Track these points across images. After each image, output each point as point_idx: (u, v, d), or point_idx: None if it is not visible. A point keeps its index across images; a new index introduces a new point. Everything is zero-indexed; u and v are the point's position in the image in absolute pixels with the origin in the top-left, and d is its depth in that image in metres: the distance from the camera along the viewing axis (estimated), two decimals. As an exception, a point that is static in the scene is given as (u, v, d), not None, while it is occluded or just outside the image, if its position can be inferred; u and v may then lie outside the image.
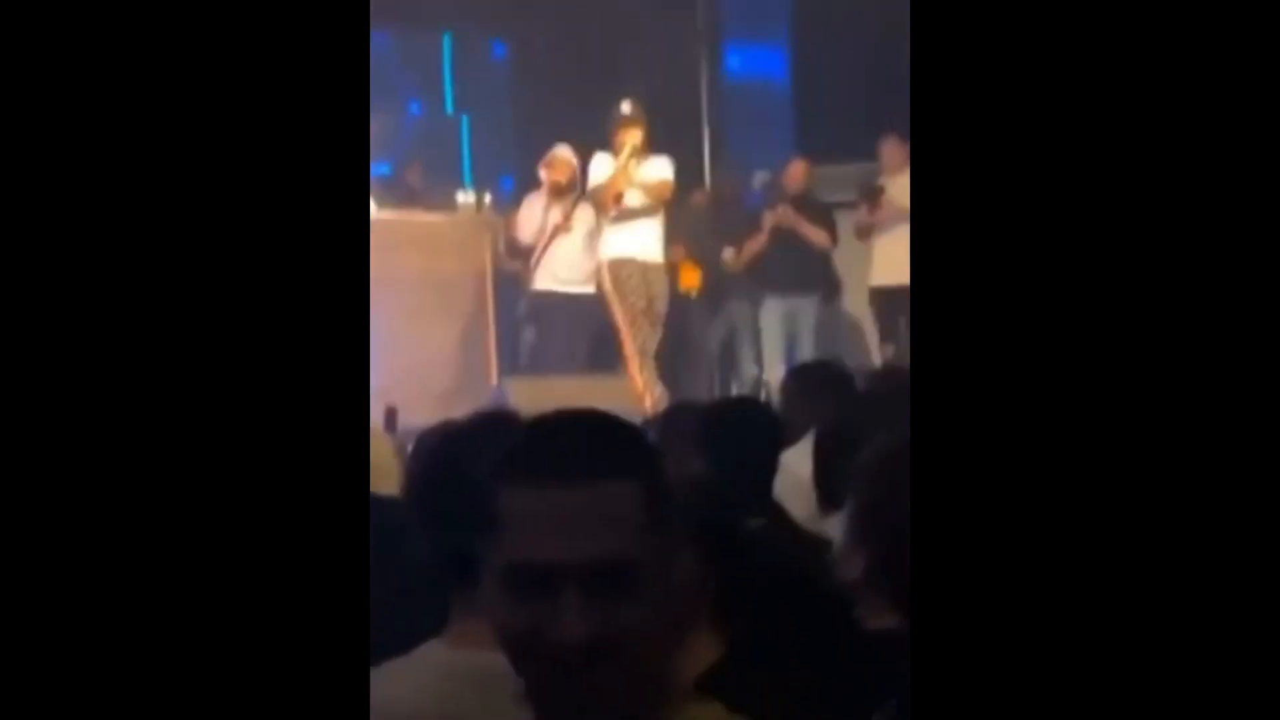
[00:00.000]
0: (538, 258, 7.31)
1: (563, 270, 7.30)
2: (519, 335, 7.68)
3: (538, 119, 8.84)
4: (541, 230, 7.30)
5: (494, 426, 1.74)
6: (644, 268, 6.90)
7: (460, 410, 3.06)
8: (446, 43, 10.61)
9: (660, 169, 6.89)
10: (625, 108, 6.84)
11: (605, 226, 7.00)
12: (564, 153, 7.30)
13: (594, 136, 7.01)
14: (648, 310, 6.88)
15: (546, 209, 7.33)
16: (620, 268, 6.88)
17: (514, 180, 8.98)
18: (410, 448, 2.91)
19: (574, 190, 7.28)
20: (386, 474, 2.86)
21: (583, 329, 7.24)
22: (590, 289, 7.26)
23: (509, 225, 7.49)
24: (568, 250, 7.28)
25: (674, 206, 7.19)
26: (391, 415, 5.71)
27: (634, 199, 6.87)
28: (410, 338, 6.56)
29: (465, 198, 7.80)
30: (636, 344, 6.77)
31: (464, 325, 7.21)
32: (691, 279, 7.77)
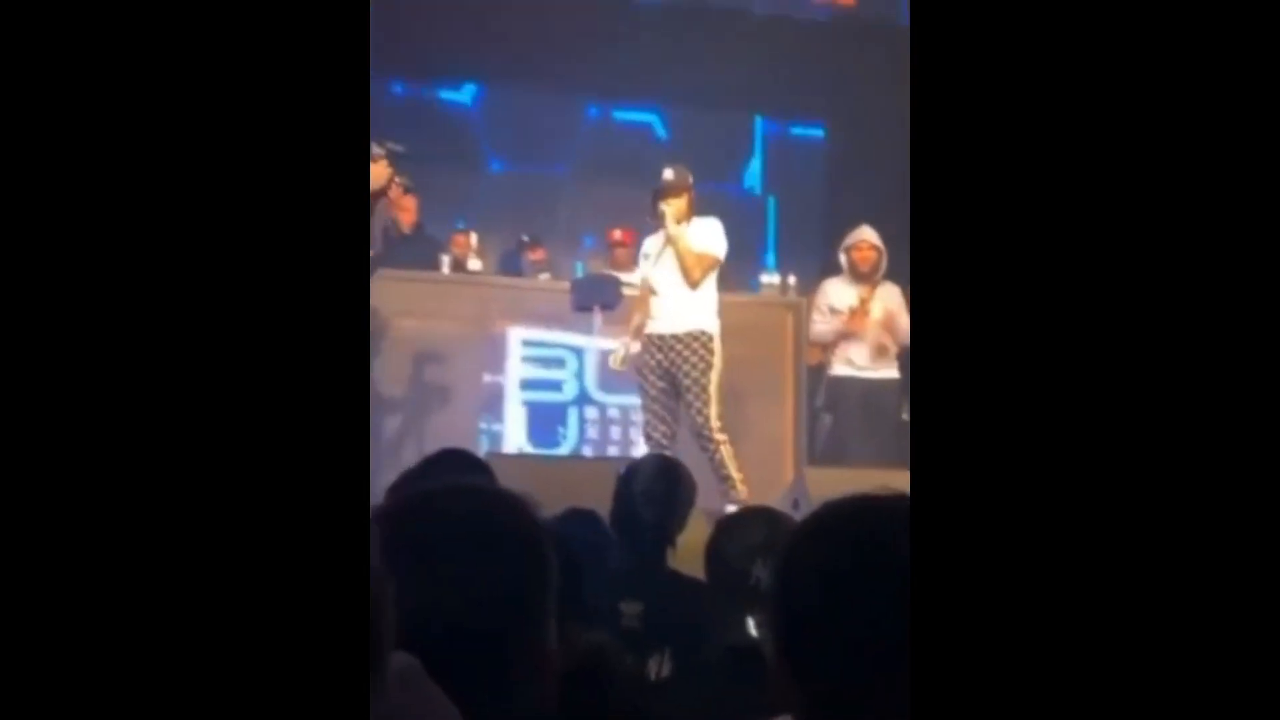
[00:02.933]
0: (834, 342, 7.34)
1: (859, 356, 7.31)
2: (818, 423, 7.70)
3: (845, 202, 8.92)
4: (837, 315, 7.33)
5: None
6: None
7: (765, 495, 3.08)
8: (758, 124, 10.86)
9: None
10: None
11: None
12: (869, 235, 7.32)
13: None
14: None
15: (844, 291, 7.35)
16: None
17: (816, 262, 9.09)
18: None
19: (879, 270, 7.30)
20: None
21: (882, 417, 7.21)
22: (891, 374, 7.25)
23: (808, 307, 7.53)
24: (867, 334, 7.28)
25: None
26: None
27: None
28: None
29: (769, 279, 7.93)
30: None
31: (764, 410, 7.29)
32: None
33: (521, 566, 1.36)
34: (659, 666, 2.90)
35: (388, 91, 9.60)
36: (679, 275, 6.12)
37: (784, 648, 1.41)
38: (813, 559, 1.41)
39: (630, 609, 3.25)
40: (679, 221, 6.10)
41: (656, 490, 3.48)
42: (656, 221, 6.14)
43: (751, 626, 2.54)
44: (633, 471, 3.64)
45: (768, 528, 2.71)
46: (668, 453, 5.57)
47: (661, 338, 6.11)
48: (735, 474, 6.00)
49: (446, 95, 10.19)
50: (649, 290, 6.21)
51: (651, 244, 6.30)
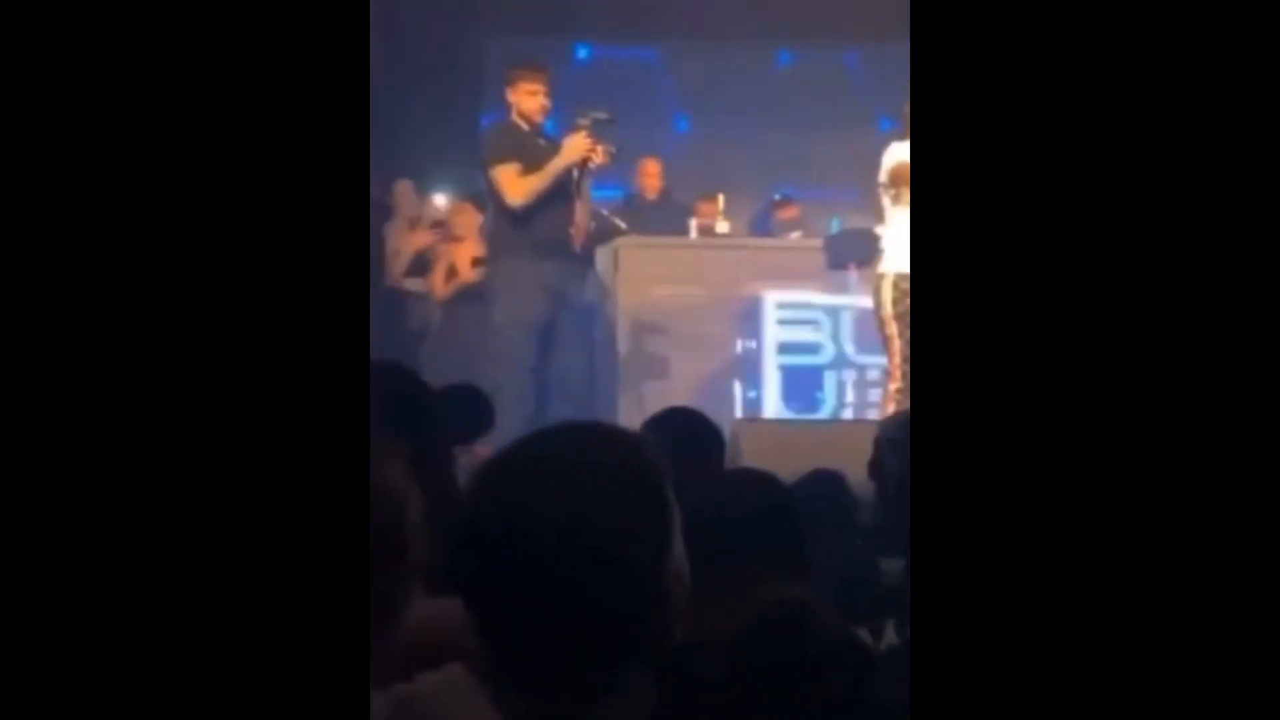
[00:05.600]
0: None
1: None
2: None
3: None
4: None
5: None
6: None
7: None
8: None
9: None
10: None
11: None
12: None
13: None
14: None
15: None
16: None
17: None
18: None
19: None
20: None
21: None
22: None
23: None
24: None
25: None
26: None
27: None
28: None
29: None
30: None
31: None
32: None
33: (625, 503, 1.31)
34: (885, 635, 2.82)
35: (574, 56, 9.68)
36: None
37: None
38: None
39: (890, 566, 3.18)
40: None
41: (901, 440, 3.39)
42: None
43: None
44: (884, 424, 3.56)
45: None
46: None
47: None
48: None
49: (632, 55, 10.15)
50: None
51: None
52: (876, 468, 3.45)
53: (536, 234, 5.62)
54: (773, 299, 7.08)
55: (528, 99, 5.76)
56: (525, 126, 5.77)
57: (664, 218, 7.53)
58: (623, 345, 6.80)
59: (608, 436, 1.39)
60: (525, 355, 5.62)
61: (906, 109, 5.70)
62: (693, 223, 7.51)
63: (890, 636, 2.77)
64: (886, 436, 3.50)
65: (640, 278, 6.83)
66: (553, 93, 5.86)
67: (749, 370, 7.11)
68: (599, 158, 5.62)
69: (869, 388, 6.94)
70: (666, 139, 9.85)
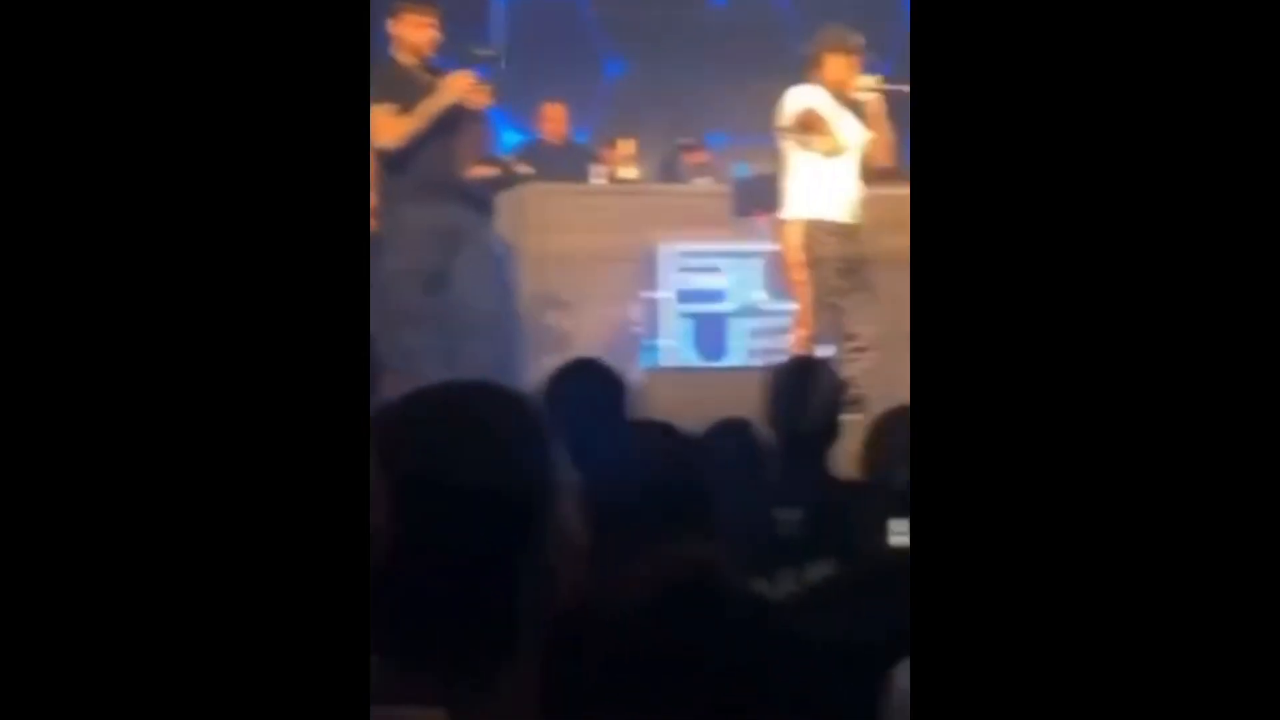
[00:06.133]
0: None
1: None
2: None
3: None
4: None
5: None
6: None
7: None
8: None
9: None
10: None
11: None
12: None
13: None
14: None
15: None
16: None
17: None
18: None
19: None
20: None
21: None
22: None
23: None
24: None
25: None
26: (860, 400, 5.69)
27: None
28: (889, 323, 6.45)
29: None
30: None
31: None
32: None
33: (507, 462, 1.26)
34: (797, 579, 2.76)
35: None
36: (867, 150, 5.75)
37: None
38: None
39: (786, 515, 3.14)
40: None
41: (796, 391, 3.35)
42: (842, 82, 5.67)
43: (894, 534, 2.39)
44: (774, 374, 3.53)
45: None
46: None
47: (844, 226, 5.72)
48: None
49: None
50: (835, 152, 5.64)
51: (820, 104, 5.67)
52: (770, 415, 3.42)
53: (420, 177, 5.40)
54: (678, 246, 6.99)
55: (414, 31, 5.46)
56: (411, 61, 5.50)
57: (570, 163, 7.38)
58: (527, 294, 6.66)
59: (486, 395, 1.33)
60: (420, 306, 5.42)
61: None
62: (599, 168, 7.38)
63: (788, 584, 2.72)
64: (777, 382, 3.48)
65: (544, 224, 6.69)
66: (456, 27, 5.63)
67: (656, 319, 7.02)
68: (480, 97, 5.39)
69: (777, 335, 6.88)
70: (597, 82, 9.70)
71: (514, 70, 5.45)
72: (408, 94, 5.35)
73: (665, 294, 6.94)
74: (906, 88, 5.86)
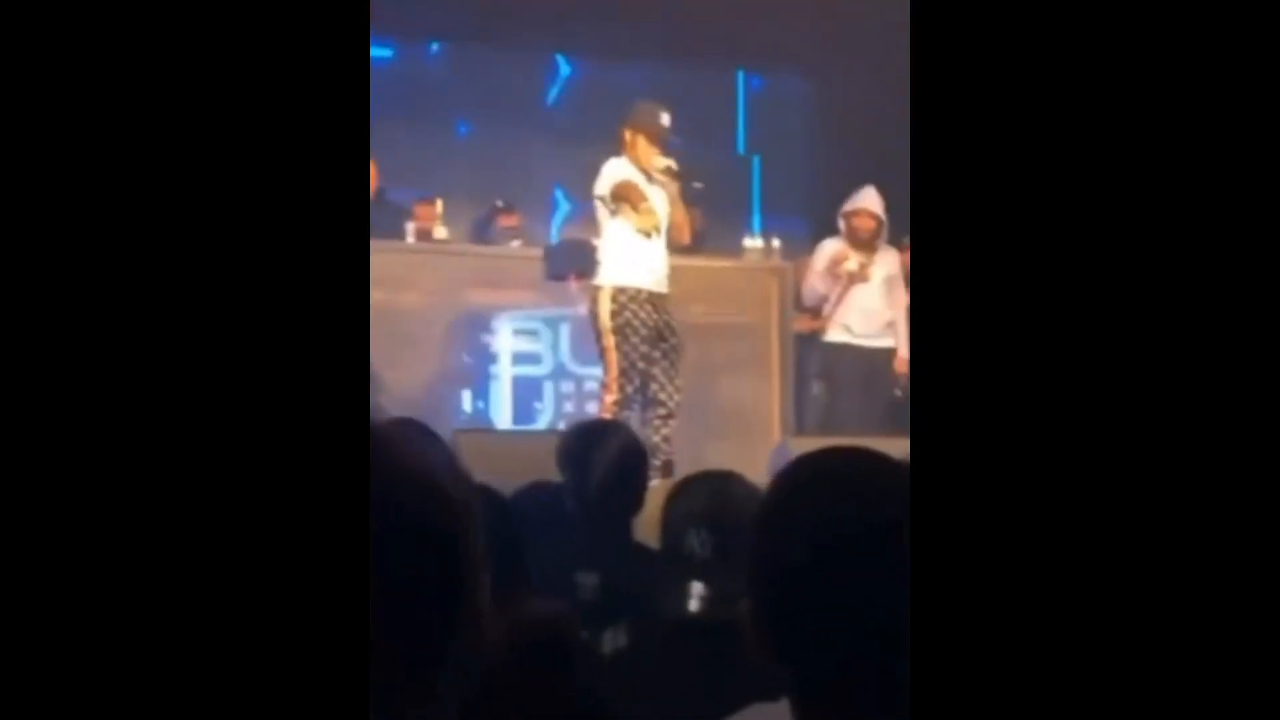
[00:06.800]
0: (832, 308, 7.30)
1: (857, 323, 7.27)
2: (807, 391, 7.66)
3: (836, 162, 8.86)
4: (836, 279, 7.28)
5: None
6: None
7: (744, 466, 3.17)
8: (740, 80, 10.77)
9: None
10: None
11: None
12: (872, 203, 7.26)
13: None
14: None
15: (840, 256, 7.30)
16: None
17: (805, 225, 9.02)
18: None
19: (879, 238, 7.26)
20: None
21: (879, 386, 7.20)
22: (888, 343, 7.23)
23: (799, 272, 7.49)
24: (865, 300, 7.25)
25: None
26: (668, 466, 5.84)
27: None
28: (694, 390, 6.63)
29: (752, 243, 7.87)
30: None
31: (751, 378, 7.25)
32: None
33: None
34: (614, 640, 2.87)
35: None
36: (668, 227, 5.95)
37: (765, 620, 1.35)
38: (796, 514, 1.37)
39: (586, 580, 3.22)
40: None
41: (587, 454, 3.45)
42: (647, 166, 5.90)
43: (695, 598, 2.50)
44: (570, 438, 3.60)
45: (711, 494, 2.66)
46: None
47: (654, 295, 5.91)
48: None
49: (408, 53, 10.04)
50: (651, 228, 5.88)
51: (635, 179, 5.89)
52: (564, 478, 3.48)
53: None
54: (492, 307, 7.07)
55: None
56: None
57: (380, 219, 7.41)
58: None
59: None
60: None
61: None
62: (409, 226, 7.42)
63: (610, 641, 2.81)
64: (566, 446, 3.54)
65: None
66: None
67: (468, 380, 7.08)
68: None
69: (587, 399, 7.00)
70: (449, 141, 9.74)
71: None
72: None
73: (483, 354, 7.01)
74: (698, 184, 6.17)
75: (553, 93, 10.21)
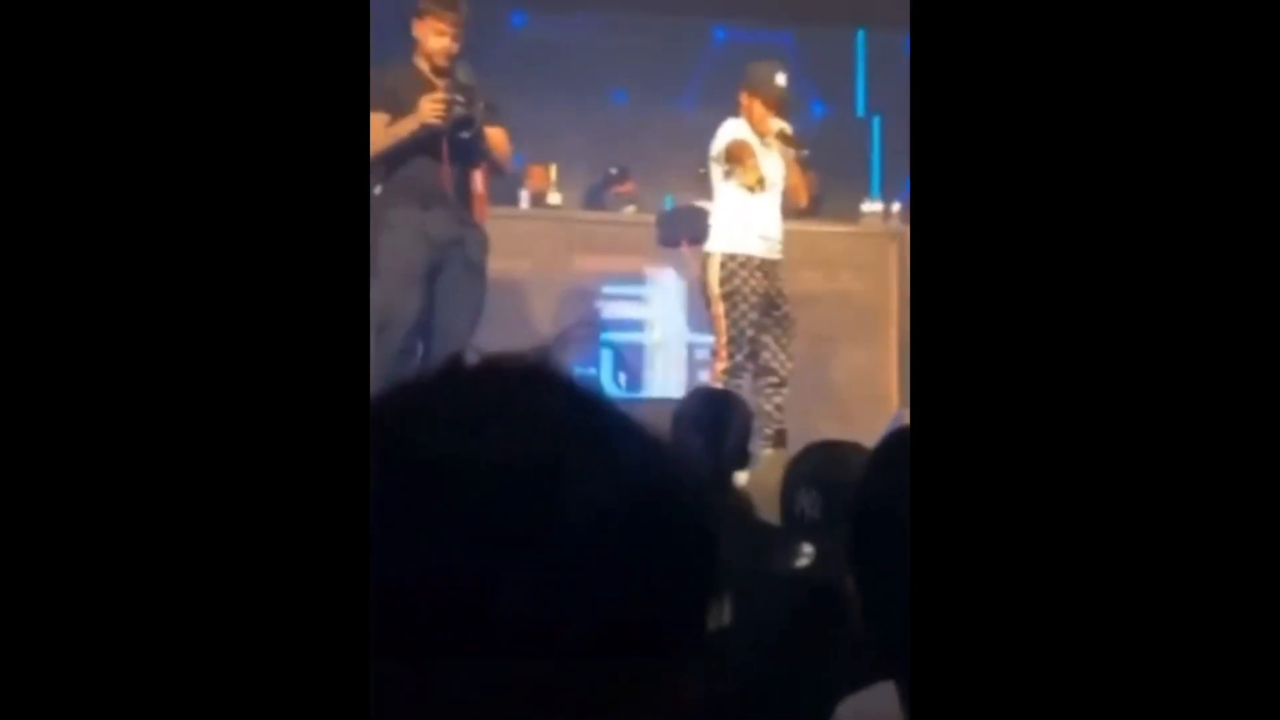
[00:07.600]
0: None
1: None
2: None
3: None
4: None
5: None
6: None
7: (860, 436, 3.15)
8: (860, 39, 10.63)
9: None
10: None
11: None
12: None
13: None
14: None
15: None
16: None
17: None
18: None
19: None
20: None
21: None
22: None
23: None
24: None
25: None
26: (780, 435, 5.79)
27: None
28: (809, 359, 6.56)
29: (871, 207, 7.77)
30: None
31: (868, 347, 7.16)
32: None
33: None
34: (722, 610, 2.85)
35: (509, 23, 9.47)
36: (780, 191, 5.89)
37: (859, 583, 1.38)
38: (894, 484, 1.38)
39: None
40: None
41: (705, 421, 3.44)
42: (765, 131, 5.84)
43: (803, 557, 2.48)
44: (684, 406, 3.62)
45: (825, 460, 2.64)
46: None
47: (765, 262, 5.85)
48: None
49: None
50: (755, 183, 5.76)
51: (750, 140, 5.83)
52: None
53: (407, 184, 5.30)
54: (603, 274, 7.06)
55: (433, 38, 5.26)
56: (426, 67, 5.31)
57: (496, 187, 7.42)
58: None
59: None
60: (403, 305, 5.33)
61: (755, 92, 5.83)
62: (523, 192, 7.43)
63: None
64: (682, 414, 3.55)
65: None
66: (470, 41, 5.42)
67: (579, 346, 7.08)
68: (438, 120, 5.15)
69: (697, 368, 6.96)
70: (600, 109, 9.66)
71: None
72: (404, 105, 5.18)
73: (586, 322, 7.00)
74: (805, 150, 6.09)
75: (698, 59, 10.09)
